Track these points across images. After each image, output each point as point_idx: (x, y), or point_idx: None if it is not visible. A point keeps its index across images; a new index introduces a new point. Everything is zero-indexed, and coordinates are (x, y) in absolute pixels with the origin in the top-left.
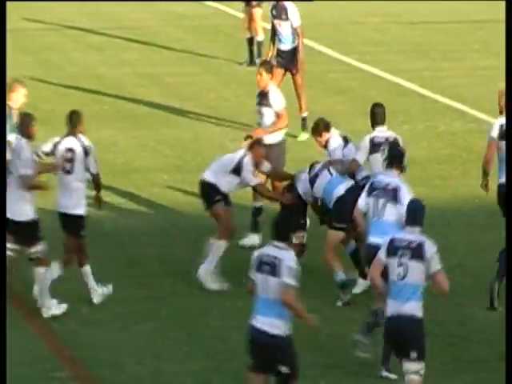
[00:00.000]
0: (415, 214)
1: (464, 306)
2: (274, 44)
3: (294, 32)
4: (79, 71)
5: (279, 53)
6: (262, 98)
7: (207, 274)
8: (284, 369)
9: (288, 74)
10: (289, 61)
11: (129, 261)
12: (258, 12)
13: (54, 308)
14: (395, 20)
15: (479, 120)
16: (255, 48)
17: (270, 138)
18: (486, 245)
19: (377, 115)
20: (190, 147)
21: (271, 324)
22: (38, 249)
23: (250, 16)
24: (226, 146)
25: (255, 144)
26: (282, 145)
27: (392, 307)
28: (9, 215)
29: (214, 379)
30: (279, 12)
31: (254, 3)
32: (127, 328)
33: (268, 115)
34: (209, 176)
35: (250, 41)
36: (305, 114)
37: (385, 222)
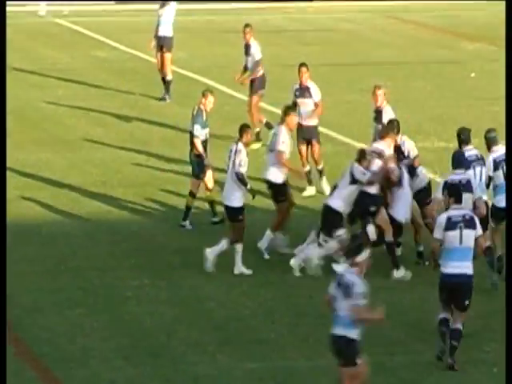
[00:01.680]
0: None
1: None
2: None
3: (255, 65)
4: (22, 104)
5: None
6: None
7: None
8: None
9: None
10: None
11: (62, 257)
12: (168, 56)
13: None
14: (276, 62)
15: (345, 144)
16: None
17: None
18: None
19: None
20: (111, 166)
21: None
22: None
23: (162, 60)
24: (141, 163)
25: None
26: None
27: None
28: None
29: (132, 354)
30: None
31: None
32: (61, 313)
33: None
34: (336, 205)
35: (164, 80)
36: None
37: None
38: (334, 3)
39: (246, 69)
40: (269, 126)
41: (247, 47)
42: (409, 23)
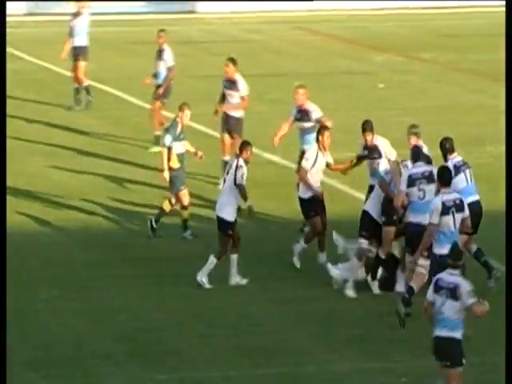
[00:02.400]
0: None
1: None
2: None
3: (168, 71)
4: None
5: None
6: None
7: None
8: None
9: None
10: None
11: None
12: (82, 64)
13: None
14: (188, 74)
15: (257, 155)
16: (83, 94)
17: None
18: None
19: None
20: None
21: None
22: None
23: (76, 69)
24: (49, 175)
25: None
26: None
27: None
28: None
29: (43, 366)
30: None
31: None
32: None
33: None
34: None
35: (77, 90)
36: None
37: None
38: (243, 15)
39: (155, 75)
40: None
41: (160, 52)
42: (317, 34)
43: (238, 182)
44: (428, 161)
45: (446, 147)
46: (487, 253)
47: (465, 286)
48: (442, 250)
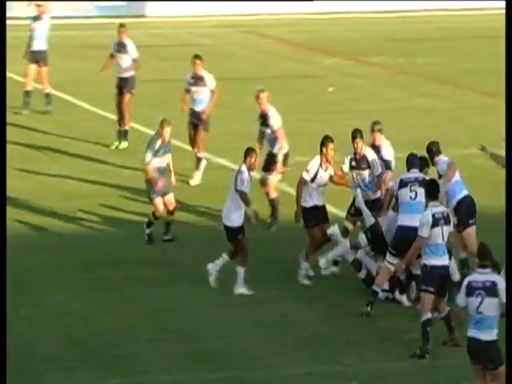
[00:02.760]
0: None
1: None
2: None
3: (133, 63)
4: None
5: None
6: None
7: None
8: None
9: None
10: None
11: None
12: (44, 70)
13: None
14: (144, 79)
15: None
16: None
17: None
18: None
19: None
20: None
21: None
22: None
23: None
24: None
25: None
26: None
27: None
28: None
29: None
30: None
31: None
32: None
33: None
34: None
35: (27, 93)
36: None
37: None
38: (193, 19)
39: (119, 67)
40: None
41: (123, 45)
42: (268, 38)
43: (238, 187)
44: (425, 164)
45: (434, 150)
46: None
47: (502, 283)
48: (435, 261)
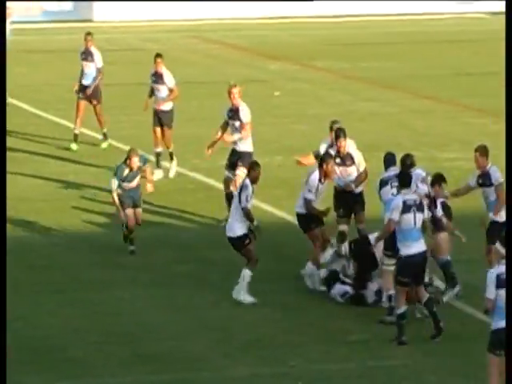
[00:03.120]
0: None
1: None
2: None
3: (98, 72)
4: None
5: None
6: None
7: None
8: None
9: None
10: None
11: None
12: None
13: None
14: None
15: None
16: None
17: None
18: None
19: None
20: None
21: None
22: None
23: None
24: None
25: None
26: None
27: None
28: None
29: None
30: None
31: None
32: None
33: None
34: None
35: None
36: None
37: None
38: (140, 23)
39: (81, 74)
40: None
41: (89, 54)
42: (214, 43)
43: (242, 204)
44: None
45: (407, 164)
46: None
47: None
48: (409, 250)
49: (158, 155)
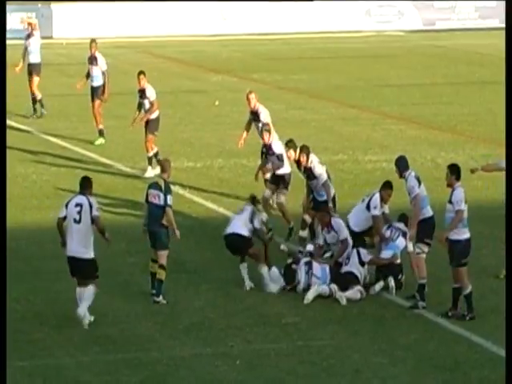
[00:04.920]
0: None
1: None
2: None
3: (103, 74)
4: None
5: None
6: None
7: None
8: None
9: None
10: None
11: None
12: (36, 79)
13: None
14: (45, 93)
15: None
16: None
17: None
18: None
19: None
20: None
21: None
22: None
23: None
24: None
25: None
26: None
27: None
28: None
29: None
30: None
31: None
32: None
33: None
34: None
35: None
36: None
37: None
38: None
39: (88, 76)
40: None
41: (95, 59)
42: (159, 57)
43: (256, 226)
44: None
45: (403, 165)
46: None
47: None
48: (466, 235)
49: (151, 159)
